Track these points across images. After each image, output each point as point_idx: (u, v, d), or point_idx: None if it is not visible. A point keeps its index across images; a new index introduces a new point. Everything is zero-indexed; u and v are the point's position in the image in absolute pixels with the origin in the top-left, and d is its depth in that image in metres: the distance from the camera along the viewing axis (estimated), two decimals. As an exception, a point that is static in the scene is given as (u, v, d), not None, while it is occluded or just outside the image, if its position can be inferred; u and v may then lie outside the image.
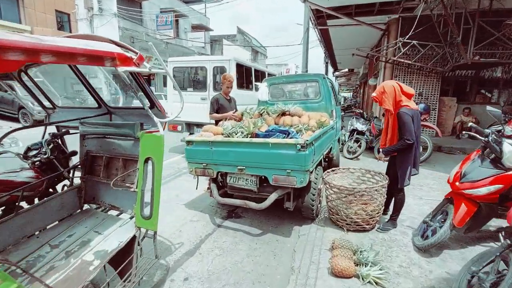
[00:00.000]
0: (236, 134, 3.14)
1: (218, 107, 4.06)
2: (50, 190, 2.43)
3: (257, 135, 3.02)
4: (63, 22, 18.65)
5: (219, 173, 3.12)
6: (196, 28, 26.10)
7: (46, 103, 2.65)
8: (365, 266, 2.16)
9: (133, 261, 1.75)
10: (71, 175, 2.38)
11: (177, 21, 23.22)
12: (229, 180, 3.10)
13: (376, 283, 2.05)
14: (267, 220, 3.35)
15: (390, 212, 3.14)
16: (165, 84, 18.78)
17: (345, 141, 6.68)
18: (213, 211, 3.58)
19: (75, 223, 2.02)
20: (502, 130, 5.15)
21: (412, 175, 2.74)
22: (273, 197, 2.80)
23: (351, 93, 35.14)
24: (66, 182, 2.39)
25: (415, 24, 7.39)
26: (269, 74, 8.03)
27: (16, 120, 11.70)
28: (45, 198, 2.07)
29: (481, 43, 6.68)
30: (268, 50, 43.51)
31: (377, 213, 2.83)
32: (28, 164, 2.26)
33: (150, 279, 2.20)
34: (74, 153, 2.44)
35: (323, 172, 3.30)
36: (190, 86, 6.36)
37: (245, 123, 3.60)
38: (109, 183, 1.97)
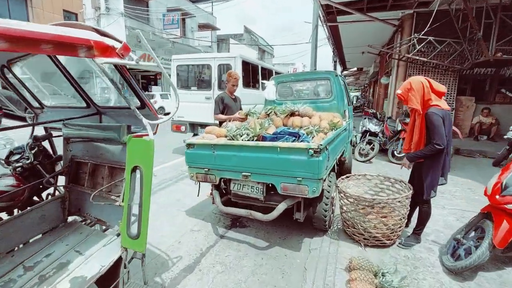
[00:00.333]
0: (241, 137, 2.86)
1: (224, 107, 3.79)
2: (36, 198, 2.19)
3: (264, 138, 2.73)
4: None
5: (222, 180, 2.85)
6: (203, 27, 25.96)
7: (35, 103, 2.42)
8: (389, 293, 1.85)
9: (118, 287, 1.49)
10: (59, 183, 2.14)
11: (184, 20, 23.11)
12: (233, 187, 2.82)
13: (403, 314, 1.74)
14: (274, 230, 3.06)
15: (411, 224, 2.82)
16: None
17: (356, 142, 6.33)
18: (215, 219, 3.31)
19: (57, 239, 1.77)
20: None
21: (440, 184, 2.41)
22: (281, 207, 2.51)
23: (360, 93, 34.47)
24: (52, 190, 2.15)
25: (431, 19, 6.99)
26: (276, 73, 7.73)
27: (23, 119, 11.66)
28: (25, 210, 1.83)
29: (504, 39, 6.23)
30: (275, 49, 43.16)
31: (399, 227, 2.51)
32: (10, 170, 2.03)
33: (142, 301, 1.94)
34: (61, 157, 2.20)
35: (336, 178, 2.99)
36: (195, 85, 6.11)
37: (250, 124, 3.31)
38: (101, 188, 1.71)
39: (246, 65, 5.80)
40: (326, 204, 2.70)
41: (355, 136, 6.46)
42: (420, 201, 2.53)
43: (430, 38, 7.21)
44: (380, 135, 6.32)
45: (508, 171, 2.15)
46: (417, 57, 7.62)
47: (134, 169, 1.50)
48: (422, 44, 7.32)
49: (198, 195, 3.17)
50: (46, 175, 2.06)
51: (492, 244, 2.01)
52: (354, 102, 14.00)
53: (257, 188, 2.68)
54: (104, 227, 1.89)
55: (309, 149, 2.23)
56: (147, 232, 1.50)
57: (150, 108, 1.60)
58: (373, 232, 2.46)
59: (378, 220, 2.41)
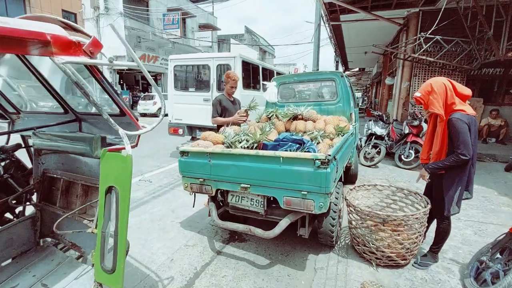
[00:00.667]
0: (240, 143, 2.61)
1: (222, 110, 3.54)
2: (9, 216, 1.95)
3: (264, 146, 2.47)
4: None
5: (219, 191, 2.60)
6: (203, 27, 25.76)
7: (10, 108, 2.17)
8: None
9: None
10: (34, 198, 1.89)
11: (184, 20, 22.90)
12: (231, 200, 2.57)
13: None
14: (275, 245, 2.81)
15: (426, 239, 2.56)
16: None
17: (361, 146, 6.07)
18: (212, 232, 3.06)
19: (24, 267, 1.53)
20: None
21: (464, 199, 2.15)
22: (284, 224, 2.25)
23: (361, 93, 34.17)
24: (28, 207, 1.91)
25: (438, 18, 6.73)
26: (278, 73, 7.48)
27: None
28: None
29: (516, 37, 5.96)
30: (276, 50, 42.89)
31: (416, 245, 2.25)
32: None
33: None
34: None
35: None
36: (192, 86, 5.86)
37: (250, 128, 3.06)
38: (67, 214, 1.46)
39: (246, 65, 5.55)
40: (334, 219, 2.44)
41: (360, 139, 6.20)
42: (440, 217, 2.27)
43: (437, 37, 6.93)
44: (386, 138, 6.05)
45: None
46: (424, 57, 7.34)
47: (109, 190, 1.25)
48: (429, 44, 7.05)
49: (193, 206, 2.92)
50: (19, 189, 1.81)
51: (526, 270, 1.75)
52: (360, 103, 13.65)
53: (257, 201, 2.43)
54: (78, 253, 1.64)
55: (316, 159, 1.98)
56: (124, 266, 1.25)
57: (129, 116, 1.35)
58: (387, 252, 2.20)
59: (392, 239, 2.16)
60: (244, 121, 3.31)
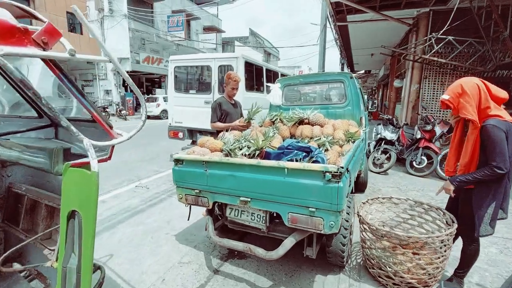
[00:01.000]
0: (240, 150, 2.36)
1: (222, 114, 3.30)
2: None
3: (267, 155, 2.22)
4: (75, 24, 18.56)
5: (216, 203, 2.34)
6: (208, 29, 25.70)
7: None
8: None
9: None
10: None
11: (188, 22, 22.86)
12: (229, 213, 2.31)
13: None
14: (279, 264, 2.54)
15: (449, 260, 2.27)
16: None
17: (369, 151, 5.77)
18: (210, 247, 2.80)
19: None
20: None
21: (499, 219, 1.86)
22: (288, 244, 1.98)
23: (366, 96, 33.70)
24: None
25: (451, 17, 6.42)
26: (282, 75, 7.22)
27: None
28: None
29: (534, 38, 5.63)
30: (281, 52, 42.77)
31: (440, 271, 1.96)
32: None
33: None
34: None
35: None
36: (193, 88, 5.64)
37: (252, 134, 2.81)
38: (28, 240, 1.22)
39: (249, 66, 5.31)
40: (345, 237, 2.17)
41: (369, 144, 5.90)
42: (468, 239, 1.98)
43: (450, 37, 6.62)
44: (396, 143, 5.75)
45: None
46: (435, 58, 7.03)
47: (72, 215, 1.00)
48: (441, 44, 6.74)
49: (188, 219, 2.67)
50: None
51: None
52: (370, 106, 13.21)
53: (259, 216, 2.17)
54: (43, 286, 1.40)
55: (326, 172, 1.71)
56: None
57: (99, 122, 1.10)
58: (406, 277, 1.92)
59: (413, 263, 1.87)
60: (245, 129, 3.06)
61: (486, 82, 1.78)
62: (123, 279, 2.28)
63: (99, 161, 1.06)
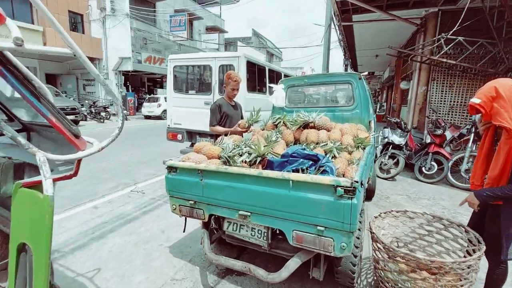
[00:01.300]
0: (240, 156, 2.15)
1: (222, 117, 3.09)
2: None
3: (270, 163, 2.00)
4: (77, 23, 18.46)
5: (213, 216, 2.12)
6: (210, 29, 25.56)
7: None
8: None
9: None
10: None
11: (191, 22, 22.73)
12: (227, 227, 2.09)
13: None
14: (281, 282, 2.30)
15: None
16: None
17: (376, 155, 5.52)
18: (206, 261, 2.58)
19: None
20: None
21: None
22: (293, 265, 1.76)
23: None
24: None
25: (461, 17, 6.17)
26: (286, 76, 7.01)
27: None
28: None
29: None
30: (284, 53, 42.58)
31: (466, 298, 1.73)
32: None
33: None
34: None
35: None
36: (193, 88, 5.44)
37: (253, 138, 2.60)
38: None
39: (251, 66, 5.10)
40: (355, 256, 1.94)
41: (375, 148, 5.66)
42: (494, 261, 1.75)
43: (460, 38, 6.37)
44: (404, 148, 5.50)
45: None
46: (445, 60, 6.78)
47: (22, 248, 0.78)
48: (451, 45, 6.49)
49: (184, 231, 2.45)
50: None
51: None
52: (378, 109, 12.84)
53: (260, 232, 1.95)
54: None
55: (338, 186, 1.49)
56: None
57: (58, 129, 0.88)
58: (427, 305, 1.69)
59: (436, 290, 1.64)
60: (245, 132, 2.84)
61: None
62: (109, 299, 2.07)
63: (61, 179, 0.84)
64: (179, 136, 5.39)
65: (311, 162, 1.99)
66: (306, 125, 3.06)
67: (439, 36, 6.73)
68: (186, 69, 5.46)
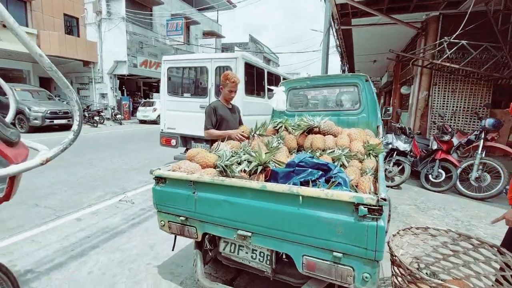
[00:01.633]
0: (238, 166, 1.88)
1: (217, 120, 2.81)
2: None
3: (273, 174, 1.73)
4: (72, 26, 18.20)
5: (207, 235, 1.83)
6: (207, 34, 25.48)
7: None
8: None
9: None
10: None
11: (188, 27, 22.60)
12: (223, 248, 1.80)
13: None
14: (286, 310, 2.01)
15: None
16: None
17: (380, 162, 5.27)
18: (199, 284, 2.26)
19: None
20: None
21: None
22: (303, 297, 1.47)
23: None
24: None
25: (464, 21, 6.03)
26: (285, 79, 6.78)
27: (13, 125, 10.92)
28: None
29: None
30: (280, 59, 42.70)
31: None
32: None
33: None
34: None
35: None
36: (188, 91, 5.17)
37: (253, 145, 2.32)
38: None
39: (250, 68, 4.86)
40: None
41: (379, 155, 5.42)
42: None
43: (463, 42, 6.21)
44: (408, 154, 5.27)
45: None
46: (448, 64, 6.61)
47: None
48: (454, 49, 6.33)
49: (173, 250, 2.15)
50: None
51: None
52: (383, 114, 12.50)
53: (262, 255, 1.66)
54: None
55: (360, 205, 1.21)
56: None
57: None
58: None
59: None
60: (243, 139, 2.57)
61: None
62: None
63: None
64: (173, 141, 5.10)
65: (320, 173, 1.73)
66: (310, 130, 2.80)
67: (441, 40, 6.58)
68: (181, 70, 5.20)
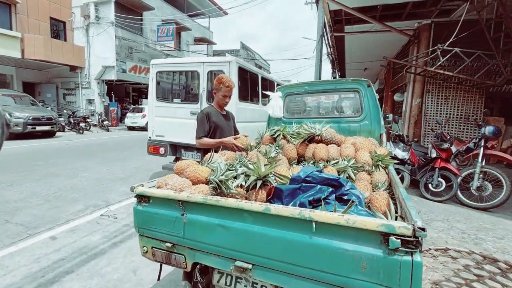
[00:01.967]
0: (235, 181, 1.63)
1: (210, 127, 2.56)
2: None
3: (278, 192, 1.48)
4: (59, 30, 17.70)
5: (198, 265, 1.56)
6: (198, 41, 25.33)
7: None
8: None
9: None
10: None
11: (179, 33, 22.40)
12: (217, 280, 1.52)
13: None
14: None
15: None
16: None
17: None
18: (189, 316, 1.96)
19: None
20: None
21: None
22: None
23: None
24: None
25: (457, 29, 6.03)
26: (278, 85, 6.60)
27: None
28: None
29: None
30: (271, 66, 42.93)
31: None
32: None
33: None
34: None
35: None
36: (178, 97, 4.90)
37: (251, 157, 2.07)
38: None
39: (243, 73, 4.64)
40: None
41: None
42: None
43: (456, 49, 6.20)
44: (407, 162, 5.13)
45: None
46: (442, 71, 6.59)
47: None
48: (447, 56, 6.32)
49: (158, 279, 1.85)
50: None
51: None
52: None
53: (264, 289, 1.39)
54: None
55: (391, 235, 0.97)
56: None
57: None
58: None
59: None
60: (239, 149, 2.32)
61: None
62: None
63: None
64: (162, 150, 4.79)
65: (330, 189, 1.49)
66: (311, 139, 2.58)
67: (435, 47, 6.57)
68: (170, 75, 4.94)
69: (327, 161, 2.24)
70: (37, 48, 14.76)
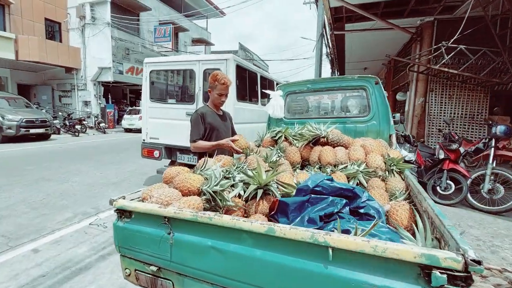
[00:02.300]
0: (232, 190, 1.41)
1: (206, 129, 2.32)
2: None
3: (282, 206, 1.25)
4: (54, 31, 17.44)
5: (189, 292, 1.32)
6: (196, 41, 25.12)
7: None
8: None
9: None
10: None
11: (176, 34, 22.18)
12: (212, 310, 1.29)
13: None
14: None
15: None
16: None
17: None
18: None
19: None
20: None
21: None
22: None
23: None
24: None
25: (461, 26, 5.83)
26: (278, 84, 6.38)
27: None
28: None
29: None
30: (270, 66, 42.76)
31: None
32: None
33: None
34: None
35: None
36: (173, 97, 4.67)
37: (250, 162, 1.84)
38: None
39: (242, 71, 4.42)
40: None
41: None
42: None
43: (462, 46, 6.01)
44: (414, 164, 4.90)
45: None
46: (446, 69, 6.38)
47: None
48: (452, 54, 6.12)
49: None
50: None
51: None
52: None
53: (267, 324, 1.16)
54: None
55: (434, 268, 0.75)
56: None
57: None
58: None
59: None
60: (238, 152, 2.08)
61: None
62: None
63: None
64: (156, 153, 4.55)
65: (344, 201, 1.27)
66: (316, 140, 2.36)
67: (439, 45, 6.37)
68: (165, 74, 4.70)
69: (334, 166, 2.02)
70: (31, 49, 14.51)
